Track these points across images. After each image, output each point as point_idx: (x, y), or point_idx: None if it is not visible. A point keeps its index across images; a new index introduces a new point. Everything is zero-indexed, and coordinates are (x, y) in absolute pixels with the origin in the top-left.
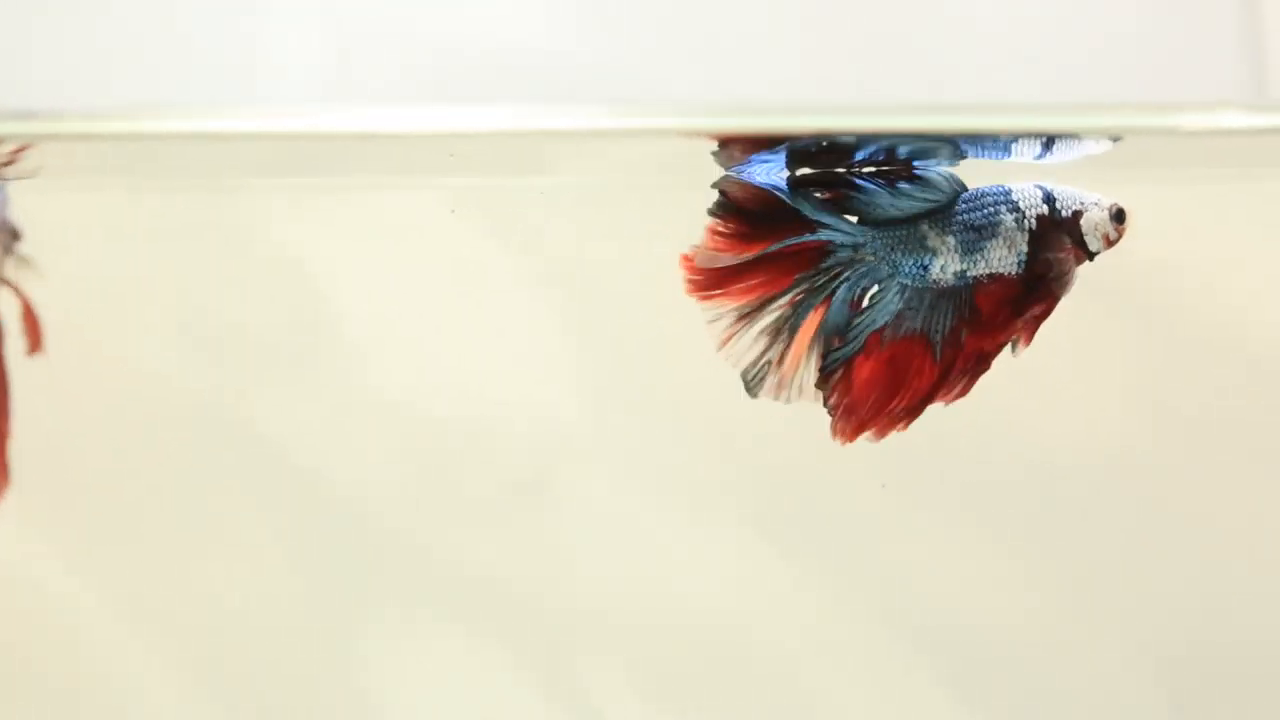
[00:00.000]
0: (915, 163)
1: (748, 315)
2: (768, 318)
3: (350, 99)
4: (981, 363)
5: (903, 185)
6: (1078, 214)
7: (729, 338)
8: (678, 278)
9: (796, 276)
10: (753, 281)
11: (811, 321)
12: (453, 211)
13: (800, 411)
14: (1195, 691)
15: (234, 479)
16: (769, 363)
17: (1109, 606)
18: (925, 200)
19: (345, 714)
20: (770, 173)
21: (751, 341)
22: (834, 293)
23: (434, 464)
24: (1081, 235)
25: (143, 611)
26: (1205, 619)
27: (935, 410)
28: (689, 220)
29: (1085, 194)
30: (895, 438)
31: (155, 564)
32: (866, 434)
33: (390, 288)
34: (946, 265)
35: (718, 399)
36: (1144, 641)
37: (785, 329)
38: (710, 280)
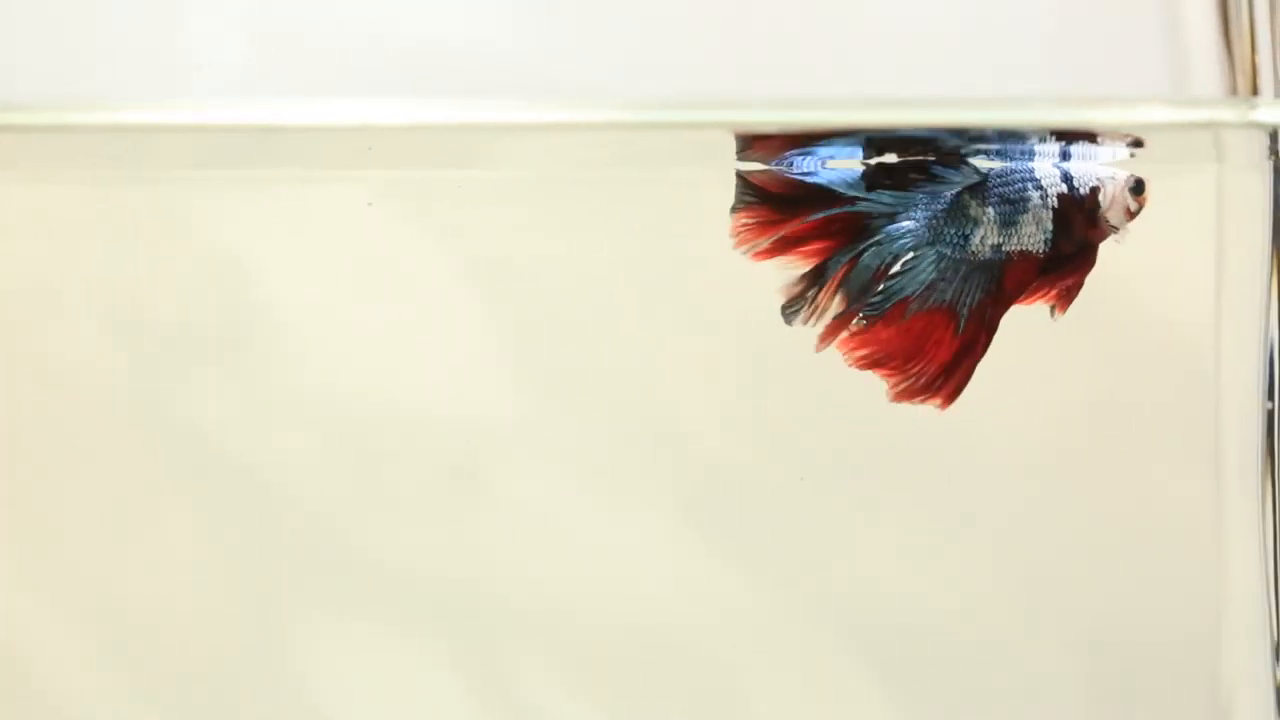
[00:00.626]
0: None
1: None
2: (806, 267)
3: (270, 93)
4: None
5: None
6: (1095, 190)
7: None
8: (601, 268)
9: (841, 244)
10: (811, 247)
11: (836, 276)
12: (370, 204)
13: (728, 406)
14: (1120, 684)
15: (162, 471)
16: (805, 299)
17: (1033, 595)
18: (969, 176)
19: (276, 704)
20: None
21: (793, 282)
22: (860, 255)
23: (363, 456)
24: (1102, 211)
25: (70, 604)
26: (1131, 611)
27: (857, 402)
28: (610, 211)
29: (1100, 170)
30: (815, 430)
31: (84, 558)
32: (879, 371)
33: (313, 280)
34: (986, 237)
35: (646, 391)
36: (1069, 629)
37: (817, 281)
38: (774, 248)
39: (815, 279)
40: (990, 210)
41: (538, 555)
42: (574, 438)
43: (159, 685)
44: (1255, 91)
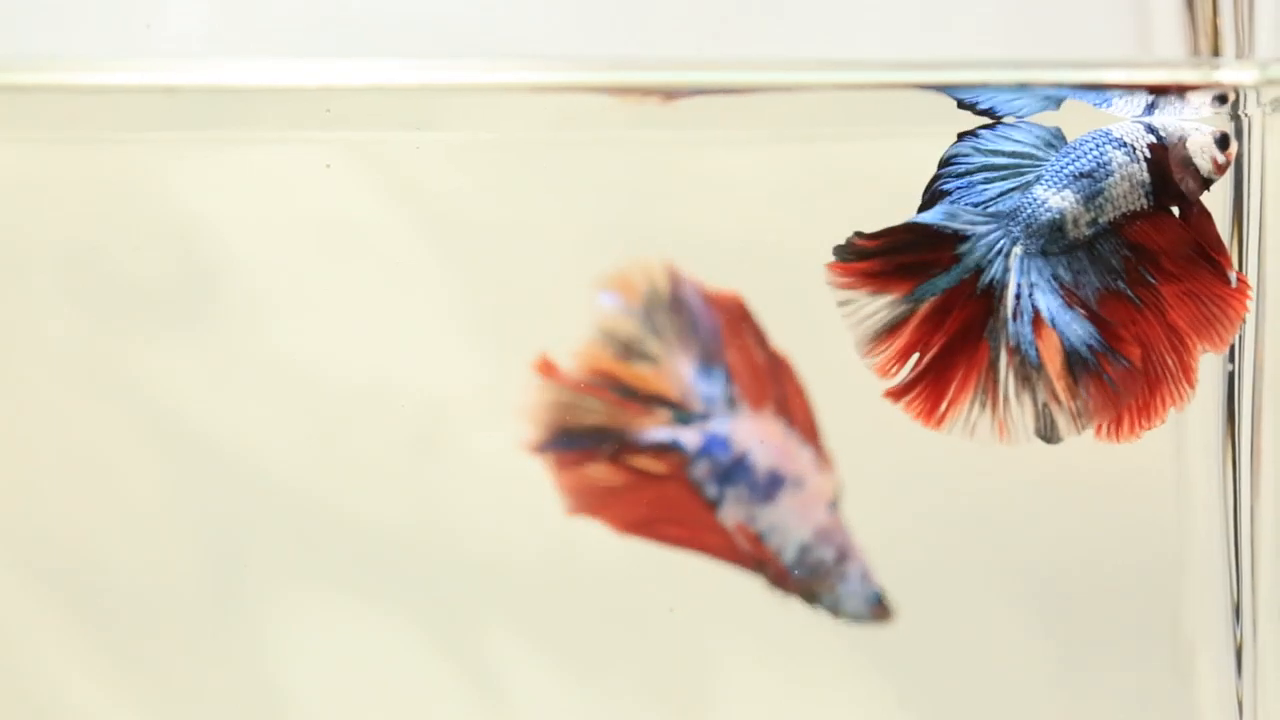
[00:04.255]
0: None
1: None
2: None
3: (229, 54)
4: (1211, 294)
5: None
6: (1183, 139)
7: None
8: (559, 231)
9: (987, 337)
10: (961, 369)
11: (1005, 368)
12: (328, 166)
13: None
14: (1081, 644)
15: (121, 435)
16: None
17: (994, 554)
18: (1022, 143)
19: (239, 670)
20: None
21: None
22: (1010, 334)
23: (323, 421)
24: (1191, 158)
25: (31, 569)
26: (1092, 572)
27: (816, 359)
28: (569, 174)
29: (1185, 122)
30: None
31: (43, 522)
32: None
33: (273, 243)
34: (1077, 218)
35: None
36: (1029, 590)
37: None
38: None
39: (990, 391)
40: (1068, 192)
41: (500, 521)
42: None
43: (121, 650)
44: (1217, 52)
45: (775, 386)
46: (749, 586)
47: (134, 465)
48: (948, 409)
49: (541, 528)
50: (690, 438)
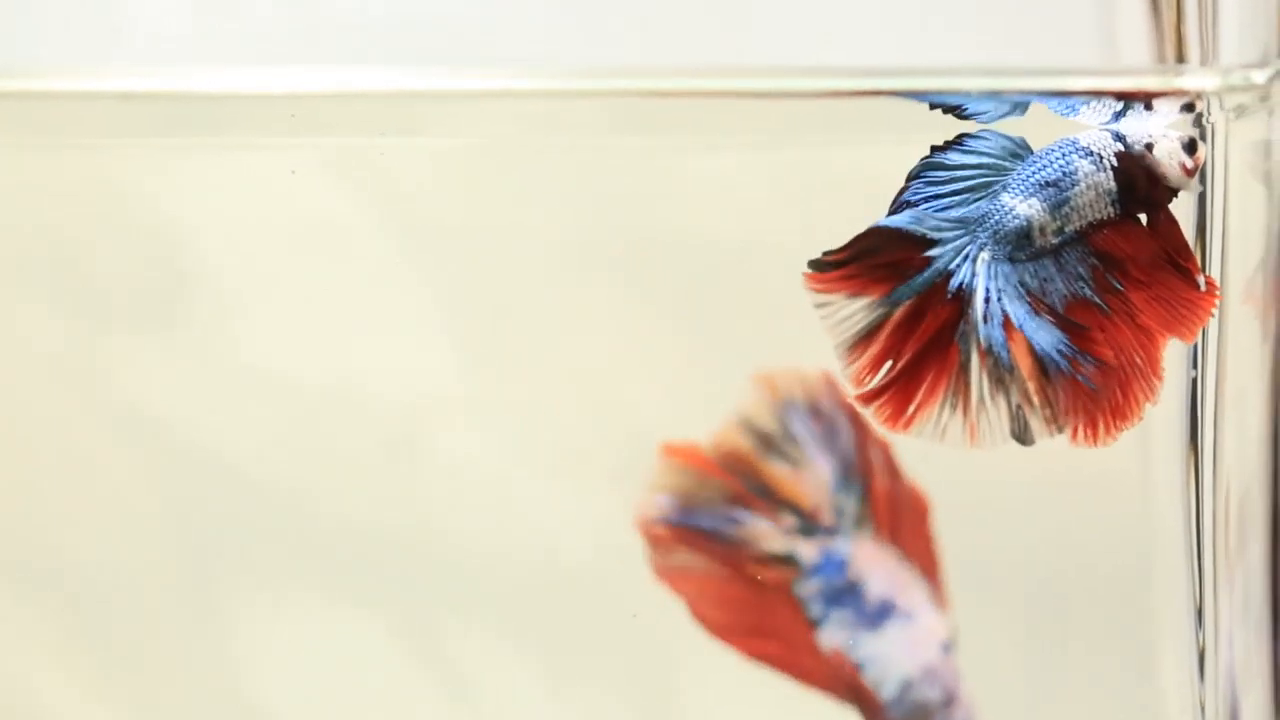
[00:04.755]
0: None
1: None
2: (957, 395)
3: (198, 60)
4: (1184, 299)
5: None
6: (1150, 145)
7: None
8: (526, 236)
9: (958, 340)
10: (930, 373)
11: (978, 371)
12: (293, 172)
13: (665, 375)
14: (1046, 647)
15: (95, 440)
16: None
17: (960, 552)
18: (988, 155)
19: (217, 675)
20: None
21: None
22: (980, 338)
23: (298, 425)
24: (1158, 165)
25: (10, 574)
26: (1057, 573)
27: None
28: (535, 178)
29: (1151, 129)
30: (744, 397)
31: (19, 525)
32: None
33: (243, 249)
34: (1044, 226)
35: (582, 358)
36: (995, 589)
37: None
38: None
39: (963, 394)
40: (1034, 200)
41: (476, 524)
42: (510, 406)
43: (94, 649)
44: (1181, 59)
45: (906, 514)
46: None
47: (111, 469)
48: (915, 413)
49: (519, 531)
50: (807, 552)
